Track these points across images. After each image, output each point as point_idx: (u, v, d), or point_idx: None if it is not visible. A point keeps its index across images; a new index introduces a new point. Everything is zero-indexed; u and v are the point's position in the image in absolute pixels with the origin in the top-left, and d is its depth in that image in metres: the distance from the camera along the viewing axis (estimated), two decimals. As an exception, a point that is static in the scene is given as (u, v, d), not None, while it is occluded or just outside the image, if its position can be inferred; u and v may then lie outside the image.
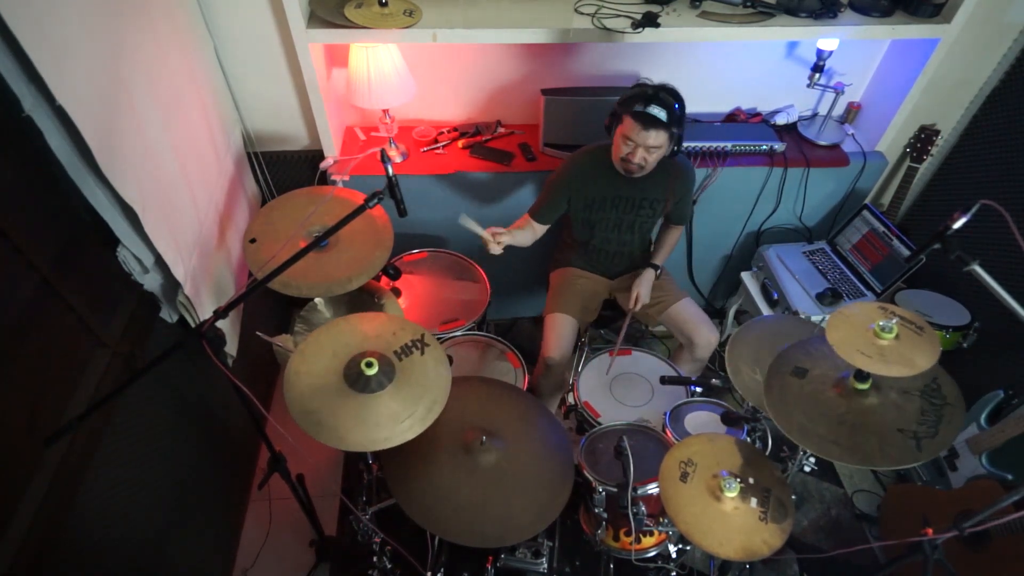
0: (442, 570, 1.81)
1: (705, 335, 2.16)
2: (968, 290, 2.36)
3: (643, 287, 2.19)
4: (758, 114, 2.58)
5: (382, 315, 1.57)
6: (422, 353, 1.51)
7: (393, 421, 1.39)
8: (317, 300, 2.07)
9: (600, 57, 2.35)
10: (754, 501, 1.45)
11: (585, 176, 2.06)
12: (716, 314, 3.07)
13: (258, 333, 1.83)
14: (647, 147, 1.87)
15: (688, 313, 2.21)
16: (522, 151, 2.44)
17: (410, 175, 2.33)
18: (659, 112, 1.80)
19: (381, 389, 1.41)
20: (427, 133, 2.46)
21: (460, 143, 2.44)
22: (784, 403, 1.42)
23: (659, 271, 2.24)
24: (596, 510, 1.75)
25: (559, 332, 2.17)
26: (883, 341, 1.29)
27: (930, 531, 1.38)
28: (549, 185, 2.11)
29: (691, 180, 2.16)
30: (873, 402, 1.38)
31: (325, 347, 1.46)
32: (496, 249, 1.98)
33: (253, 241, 1.76)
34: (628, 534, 1.74)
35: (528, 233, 2.15)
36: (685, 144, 2.36)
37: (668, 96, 1.83)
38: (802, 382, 1.45)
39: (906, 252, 2.35)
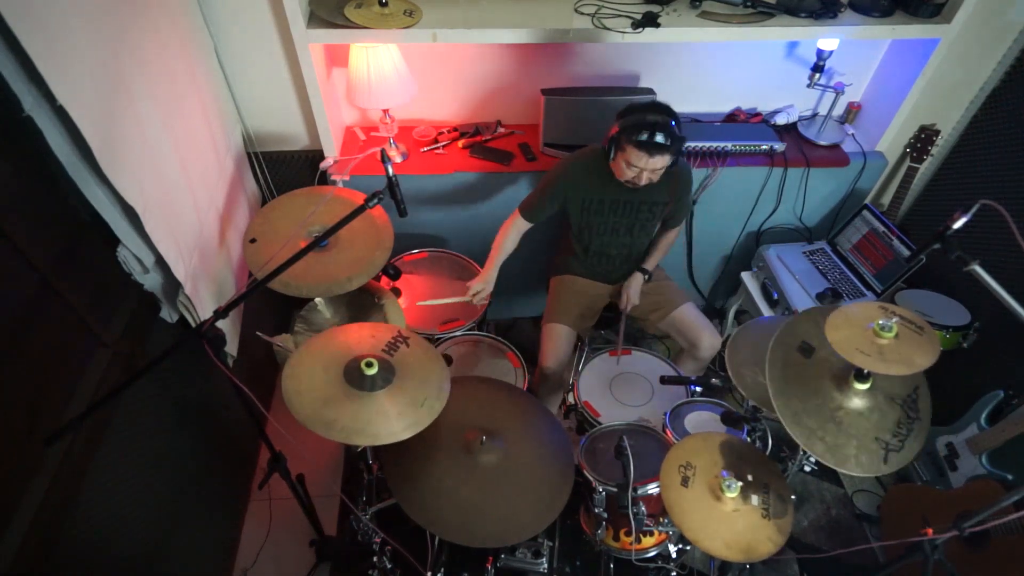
0: (442, 570, 1.81)
1: (708, 340, 2.17)
2: (968, 290, 2.36)
3: (632, 289, 2.21)
4: (758, 114, 2.58)
5: (352, 326, 1.59)
6: (408, 346, 1.54)
7: (412, 406, 1.41)
8: (317, 300, 2.07)
9: (600, 57, 2.35)
10: (755, 499, 1.45)
11: (583, 179, 2.06)
12: (716, 314, 3.07)
13: (258, 333, 1.83)
14: (653, 170, 1.88)
15: (690, 318, 2.21)
16: (522, 151, 2.44)
17: (410, 175, 2.33)
18: (662, 139, 1.80)
19: (387, 385, 1.42)
20: (427, 133, 2.46)
21: (460, 143, 2.44)
22: (785, 380, 1.41)
23: (648, 276, 2.25)
24: (596, 510, 1.75)
25: (555, 342, 2.18)
26: (883, 340, 1.29)
27: (930, 531, 1.38)
28: (545, 184, 2.11)
29: (689, 181, 2.16)
30: (865, 404, 1.38)
31: (316, 362, 1.46)
32: (481, 299, 2.15)
33: (253, 241, 1.76)
34: (628, 534, 1.74)
35: (512, 238, 2.15)
36: (685, 144, 2.35)
37: (666, 118, 1.82)
38: (806, 362, 1.44)
39: (906, 252, 2.35)
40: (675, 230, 2.29)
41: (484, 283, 2.12)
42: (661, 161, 1.85)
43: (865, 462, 1.32)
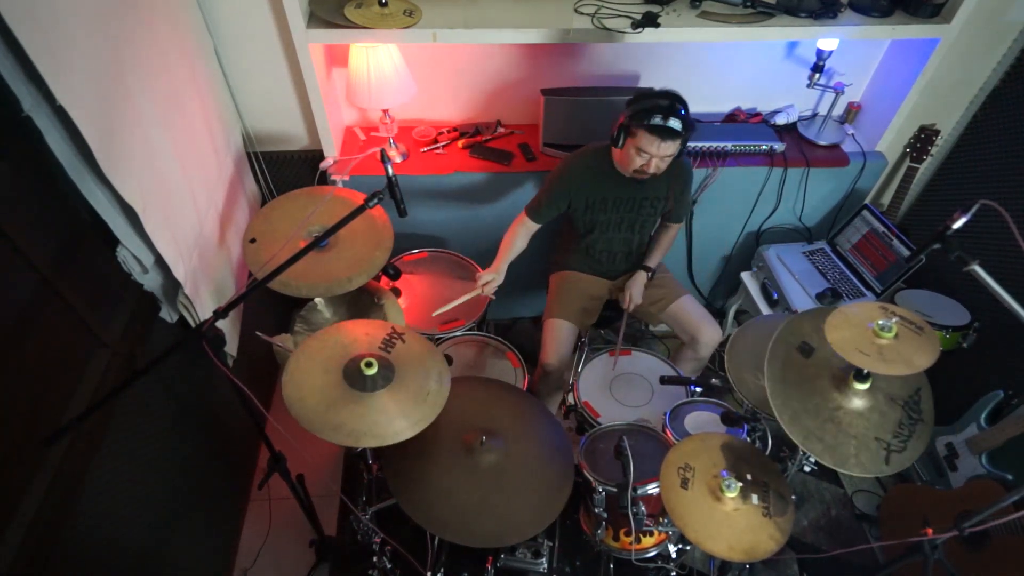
0: (442, 570, 1.81)
1: (709, 332, 2.16)
2: (968, 290, 2.36)
3: (635, 288, 2.21)
4: (758, 114, 2.58)
5: (346, 324, 1.59)
6: (404, 342, 1.54)
7: (416, 401, 1.42)
8: (317, 300, 2.07)
9: (600, 57, 2.35)
10: (755, 497, 1.45)
11: (585, 177, 2.06)
12: (716, 314, 3.06)
13: (258, 333, 1.83)
14: (663, 157, 1.88)
15: (690, 311, 2.21)
16: (522, 151, 2.44)
17: (410, 175, 2.33)
18: (676, 124, 1.82)
19: (388, 383, 1.43)
20: (427, 133, 2.46)
21: (460, 143, 2.44)
22: (784, 381, 1.41)
23: (652, 273, 2.26)
24: (596, 510, 1.75)
25: (557, 338, 2.18)
26: (882, 340, 1.29)
27: (930, 531, 1.38)
28: (548, 185, 2.11)
29: (689, 176, 2.17)
30: (864, 404, 1.38)
31: (315, 364, 1.46)
32: (491, 289, 2.10)
33: (253, 241, 1.76)
34: (628, 534, 1.74)
35: (521, 239, 2.16)
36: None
37: (679, 104, 1.84)
38: (806, 362, 1.44)
39: (906, 252, 2.35)
40: (676, 226, 2.29)
41: (495, 274, 2.10)
42: (672, 147, 1.86)
43: (866, 462, 1.32)
